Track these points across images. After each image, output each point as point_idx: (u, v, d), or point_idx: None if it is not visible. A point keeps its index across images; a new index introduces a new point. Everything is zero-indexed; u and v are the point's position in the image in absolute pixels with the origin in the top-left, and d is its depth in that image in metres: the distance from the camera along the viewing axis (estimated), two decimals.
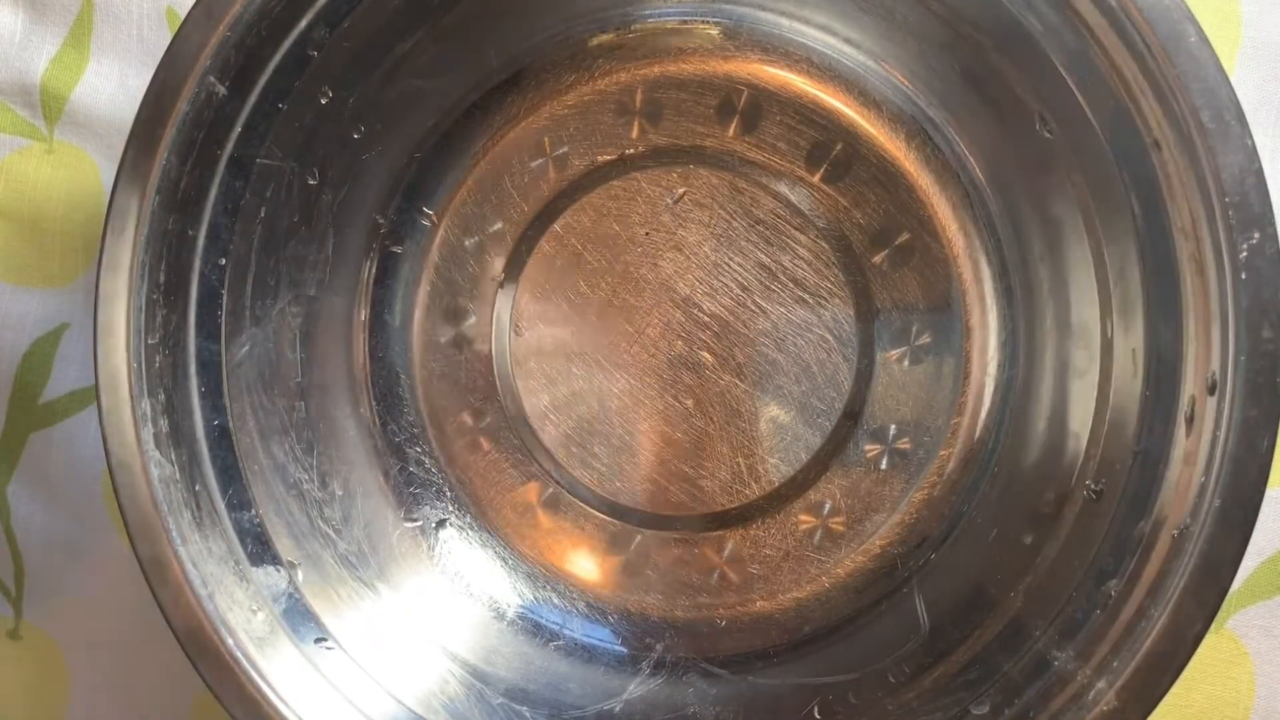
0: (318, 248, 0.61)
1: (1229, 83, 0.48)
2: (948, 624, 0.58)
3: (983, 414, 0.61)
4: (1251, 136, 0.48)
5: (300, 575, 0.57)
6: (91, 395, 0.66)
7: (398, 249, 0.65)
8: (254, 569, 0.56)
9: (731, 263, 0.62)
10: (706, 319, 0.63)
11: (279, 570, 0.57)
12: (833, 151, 0.62)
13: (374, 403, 0.65)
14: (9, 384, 0.67)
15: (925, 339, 0.62)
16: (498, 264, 0.65)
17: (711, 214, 0.63)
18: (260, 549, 0.56)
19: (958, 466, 0.62)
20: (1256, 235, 0.47)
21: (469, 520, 0.65)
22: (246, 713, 0.51)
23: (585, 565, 0.65)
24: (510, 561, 0.65)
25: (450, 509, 0.65)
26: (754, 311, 0.62)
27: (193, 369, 0.55)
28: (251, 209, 0.57)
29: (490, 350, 0.65)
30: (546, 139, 0.64)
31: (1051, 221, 0.58)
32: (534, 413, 0.64)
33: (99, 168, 0.66)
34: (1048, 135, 0.55)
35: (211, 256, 0.56)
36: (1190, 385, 0.50)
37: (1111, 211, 0.53)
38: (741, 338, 0.62)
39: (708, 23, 0.63)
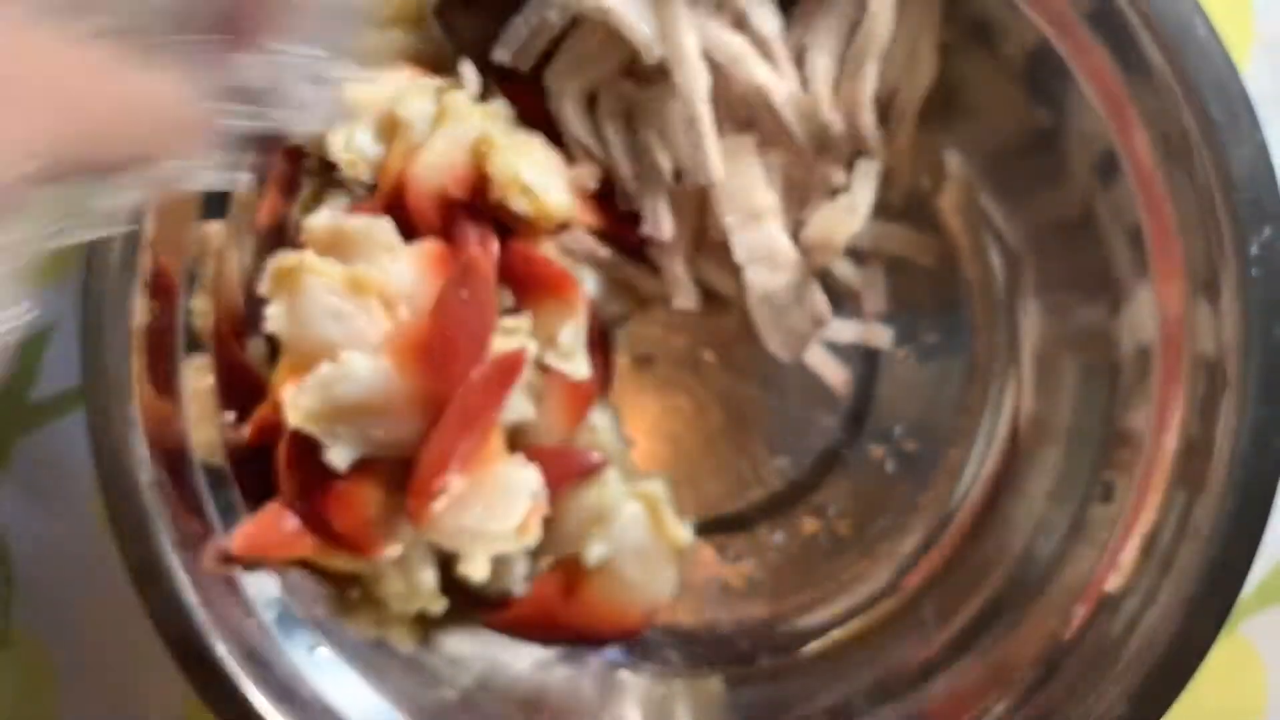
0: None
1: (1239, 76, 0.47)
2: (956, 628, 0.58)
3: (989, 413, 0.61)
4: (1262, 130, 0.47)
5: (294, 578, 0.57)
6: (80, 397, 0.65)
7: None
8: (245, 575, 0.55)
9: None
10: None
11: (271, 576, 0.56)
12: None
13: None
14: None
15: (931, 338, 0.61)
16: None
17: None
18: None
19: (964, 467, 0.61)
20: (1268, 230, 0.47)
21: None
22: None
23: None
24: None
25: None
26: None
27: (181, 371, 0.54)
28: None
29: None
30: None
31: (1058, 217, 0.57)
32: None
33: None
34: (1052, 129, 0.55)
35: (200, 257, 0.55)
36: (1201, 384, 0.49)
37: (1118, 206, 0.52)
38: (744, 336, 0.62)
39: None
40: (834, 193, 0.56)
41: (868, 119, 0.54)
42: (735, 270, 0.58)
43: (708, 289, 0.59)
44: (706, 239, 0.57)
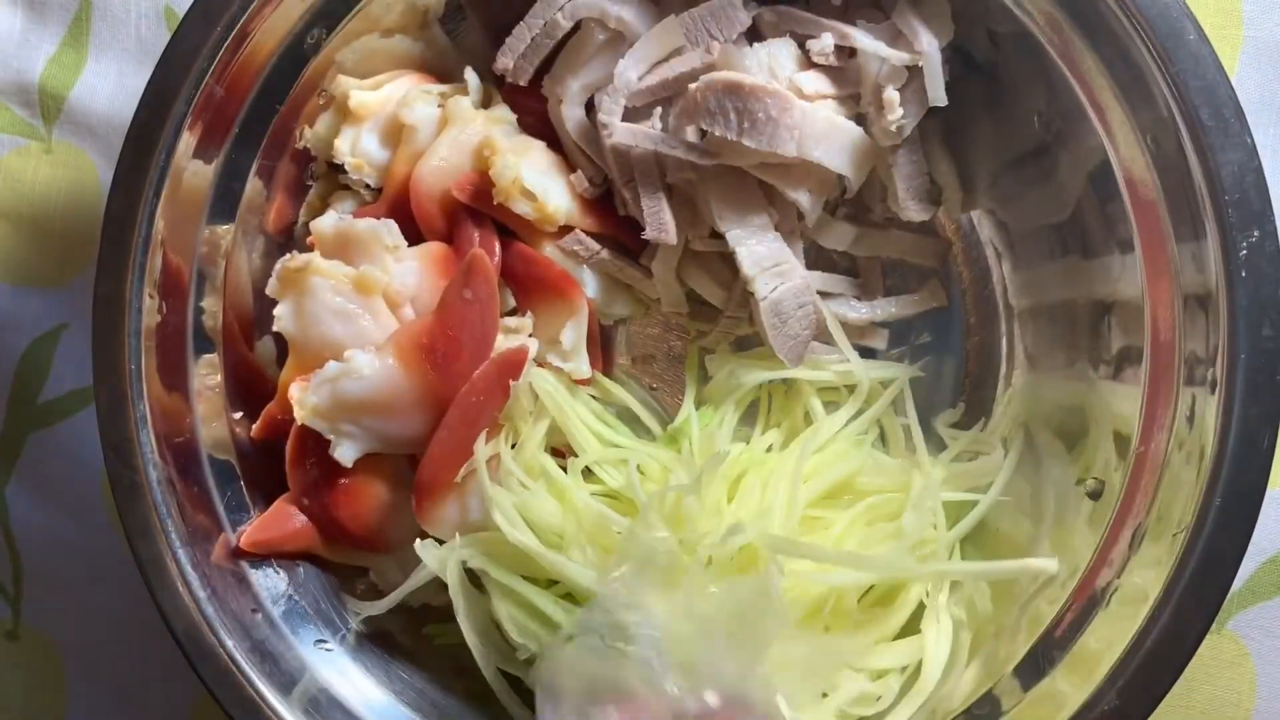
0: None
1: (1228, 81, 0.48)
2: None
3: (980, 410, 0.61)
4: (1251, 134, 0.48)
5: (301, 573, 0.57)
6: (91, 395, 0.66)
7: None
8: (253, 571, 0.56)
9: None
10: None
11: (278, 572, 0.57)
12: None
13: None
14: (8, 383, 0.67)
15: (925, 338, 0.62)
16: None
17: None
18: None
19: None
20: (1256, 233, 0.47)
21: None
22: (246, 714, 0.51)
23: None
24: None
25: None
26: None
27: (190, 370, 0.55)
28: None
29: None
30: None
31: (1051, 221, 0.58)
32: None
33: (97, 167, 0.67)
34: (1047, 134, 0.55)
35: (210, 257, 0.56)
36: (1191, 384, 0.50)
37: (1110, 210, 0.53)
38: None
39: None
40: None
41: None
42: (722, 280, 0.59)
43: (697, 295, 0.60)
44: (688, 249, 0.58)
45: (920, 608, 0.55)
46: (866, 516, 0.57)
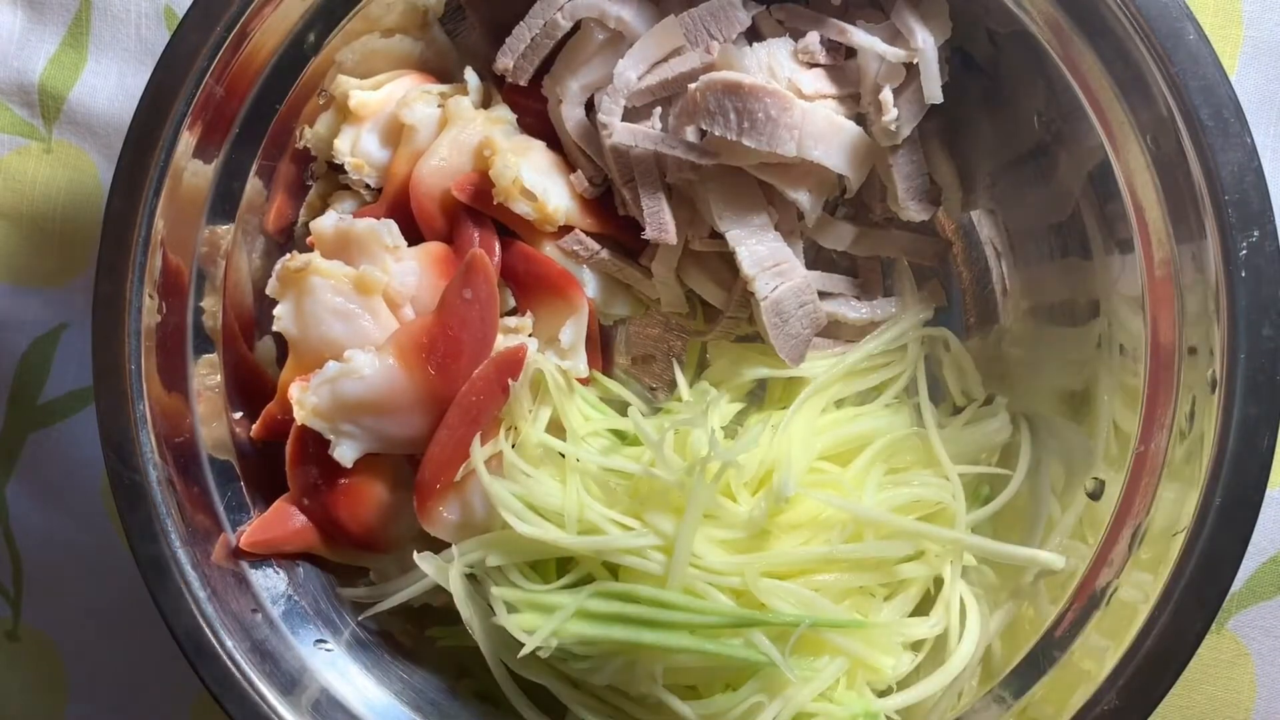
0: None
1: (1228, 80, 0.48)
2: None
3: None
4: (1250, 134, 0.48)
5: (301, 573, 0.57)
6: (91, 395, 0.66)
7: None
8: (253, 571, 0.56)
9: None
10: None
11: (278, 572, 0.57)
12: None
13: None
14: (8, 384, 0.67)
15: None
16: None
17: None
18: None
19: None
20: (1256, 233, 0.47)
21: None
22: (246, 714, 0.51)
23: None
24: None
25: None
26: None
27: (190, 370, 0.55)
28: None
29: None
30: None
31: (1051, 221, 0.58)
32: None
33: (97, 167, 0.67)
34: (1046, 134, 0.55)
35: (210, 257, 0.56)
36: (1191, 384, 0.50)
37: (1110, 210, 0.53)
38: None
39: None
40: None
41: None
42: (722, 280, 0.59)
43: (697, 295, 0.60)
44: (688, 249, 0.58)
45: (926, 594, 0.56)
46: (879, 468, 0.57)
